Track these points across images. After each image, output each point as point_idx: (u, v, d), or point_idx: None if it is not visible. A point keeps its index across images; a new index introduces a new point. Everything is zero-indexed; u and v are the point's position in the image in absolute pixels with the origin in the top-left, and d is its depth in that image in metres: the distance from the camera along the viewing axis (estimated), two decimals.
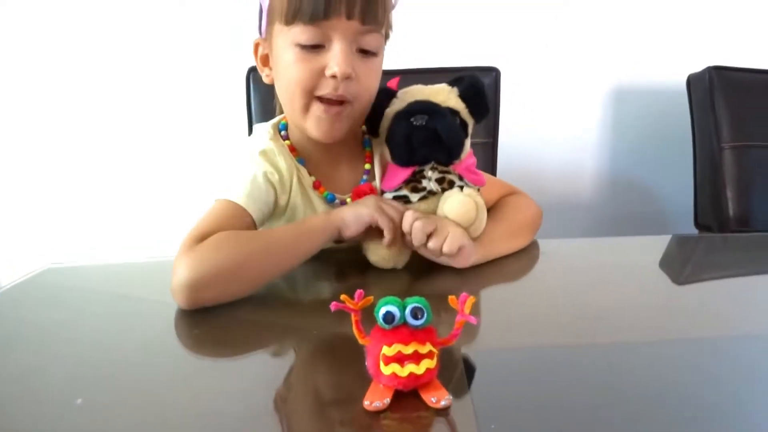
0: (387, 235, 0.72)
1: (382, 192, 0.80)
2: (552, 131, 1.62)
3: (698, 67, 1.42)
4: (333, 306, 0.45)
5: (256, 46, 0.82)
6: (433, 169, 0.77)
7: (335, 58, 0.71)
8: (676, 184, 1.61)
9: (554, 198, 1.61)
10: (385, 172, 0.80)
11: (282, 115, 0.86)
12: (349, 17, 0.71)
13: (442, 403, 0.43)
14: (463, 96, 0.79)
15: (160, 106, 1.55)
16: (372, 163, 0.85)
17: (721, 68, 1.38)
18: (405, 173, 0.77)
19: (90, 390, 0.48)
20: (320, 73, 0.73)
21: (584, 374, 0.51)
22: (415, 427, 0.43)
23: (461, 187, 0.77)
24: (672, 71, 1.54)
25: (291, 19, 0.71)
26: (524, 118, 1.56)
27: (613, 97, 1.63)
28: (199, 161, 1.57)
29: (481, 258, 0.77)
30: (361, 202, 0.75)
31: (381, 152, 0.83)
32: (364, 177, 0.84)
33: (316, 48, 0.72)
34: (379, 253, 0.75)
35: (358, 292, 0.46)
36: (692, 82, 1.44)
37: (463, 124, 0.79)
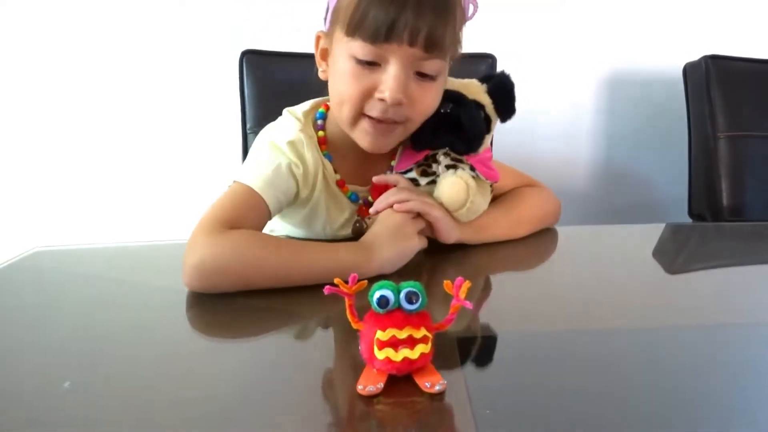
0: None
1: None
2: (547, 119, 1.61)
3: (695, 56, 1.41)
4: (326, 290, 0.45)
5: (318, 38, 0.79)
6: (445, 154, 0.78)
7: (387, 82, 0.69)
8: (671, 174, 1.61)
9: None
10: (401, 155, 0.80)
11: (322, 101, 0.84)
12: (411, 45, 0.67)
13: (437, 388, 0.43)
14: (491, 92, 0.80)
15: (152, 91, 1.53)
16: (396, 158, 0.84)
17: (717, 57, 1.37)
18: (418, 156, 0.78)
19: (79, 373, 0.48)
20: (371, 93, 0.71)
21: (578, 360, 0.51)
22: (409, 412, 0.42)
23: (455, 168, 0.77)
24: (668, 60, 1.53)
25: (352, 32, 0.68)
26: (519, 106, 1.55)
27: (608, 85, 1.63)
28: (192, 147, 1.56)
29: (468, 238, 0.78)
30: (392, 229, 0.71)
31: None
32: (388, 172, 0.83)
33: (372, 64, 0.70)
34: None
35: (352, 276, 0.45)
36: (688, 71, 1.43)
37: (487, 119, 0.80)
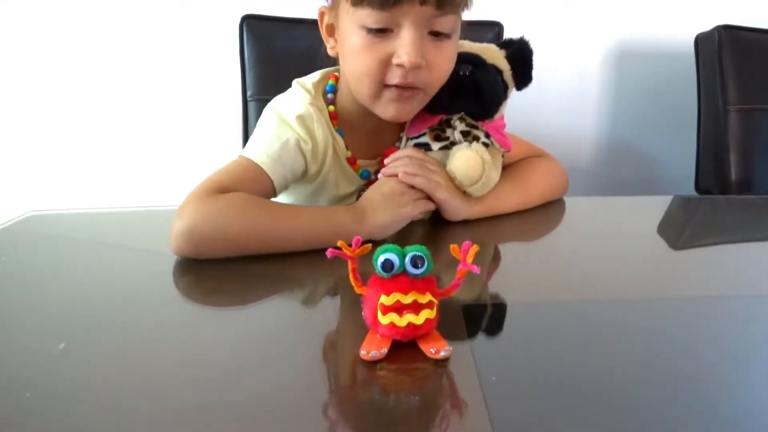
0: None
1: (407, 139, 0.78)
2: (553, 91, 1.58)
3: (707, 26, 1.37)
4: (329, 253, 0.43)
5: (321, 14, 0.75)
6: (461, 119, 0.76)
7: (404, 47, 0.66)
8: (678, 149, 1.58)
9: None
10: (413, 120, 0.77)
11: (330, 71, 0.80)
12: (423, 3, 0.64)
13: (442, 354, 0.42)
14: (511, 58, 0.78)
15: (151, 57, 1.50)
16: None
17: (730, 27, 1.33)
18: (432, 120, 0.76)
19: (73, 336, 0.47)
20: (388, 61, 0.67)
21: (584, 329, 0.50)
22: (413, 378, 0.41)
23: (471, 140, 0.75)
24: (679, 30, 1.49)
25: (359, 0, 0.65)
26: None
27: (617, 56, 1.59)
28: (191, 114, 1.53)
29: (480, 213, 0.77)
30: (387, 194, 0.69)
31: None
32: (397, 144, 0.81)
33: (383, 32, 0.66)
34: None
35: (356, 238, 0.44)
36: (700, 41, 1.40)
37: (504, 85, 0.78)
